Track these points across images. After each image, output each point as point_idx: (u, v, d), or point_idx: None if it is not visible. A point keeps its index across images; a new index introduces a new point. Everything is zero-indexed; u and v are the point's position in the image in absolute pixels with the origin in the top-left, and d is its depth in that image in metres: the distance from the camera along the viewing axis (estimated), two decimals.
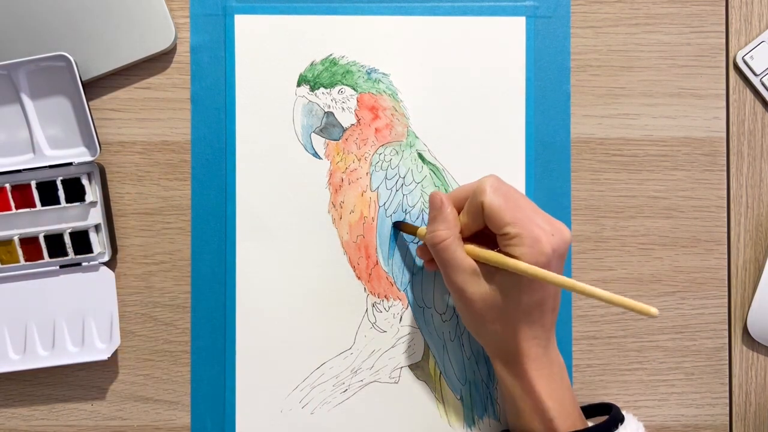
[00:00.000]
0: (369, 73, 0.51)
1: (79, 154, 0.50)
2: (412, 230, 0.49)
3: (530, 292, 0.42)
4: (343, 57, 0.51)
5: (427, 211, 0.51)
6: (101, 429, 0.51)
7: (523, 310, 0.43)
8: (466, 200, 0.45)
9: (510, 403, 0.45)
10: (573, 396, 0.45)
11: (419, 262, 0.51)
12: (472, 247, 0.44)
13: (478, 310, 0.44)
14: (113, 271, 0.51)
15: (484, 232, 0.44)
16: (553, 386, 0.44)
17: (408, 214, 0.51)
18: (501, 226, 0.42)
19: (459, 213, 0.45)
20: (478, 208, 0.43)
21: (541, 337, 0.44)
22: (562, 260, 0.43)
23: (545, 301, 0.43)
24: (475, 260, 0.43)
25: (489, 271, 0.43)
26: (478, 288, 0.43)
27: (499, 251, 0.43)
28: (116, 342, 0.50)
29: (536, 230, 0.42)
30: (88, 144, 0.49)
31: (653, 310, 0.37)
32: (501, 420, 0.51)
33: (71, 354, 0.50)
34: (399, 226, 0.50)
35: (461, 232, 0.45)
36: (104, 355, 0.50)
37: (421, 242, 0.49)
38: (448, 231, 0.44)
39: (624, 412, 0.46)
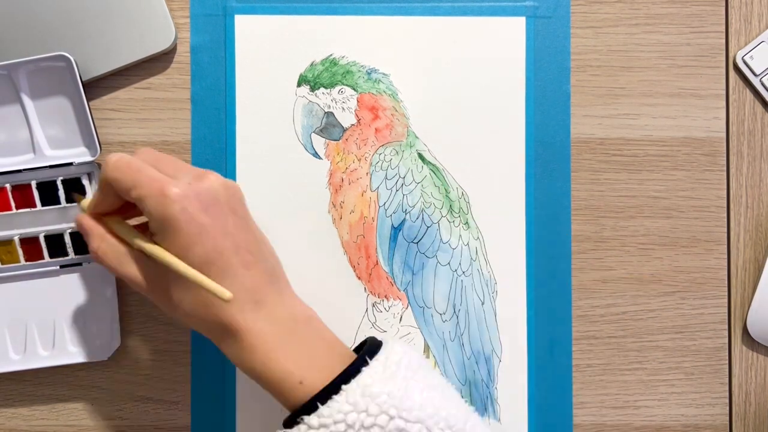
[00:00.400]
0: (369, 74, 0.51)
1: (79, 154, 0.50)
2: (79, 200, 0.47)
3: (190, 251, 0.38)
4: (343, 57, 0.51)
5: (428, 211, 0.51)
6: (101, 429, 0.51)
7: (198, 264, 0.38)
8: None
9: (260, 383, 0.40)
10: (328, 343, 0.41)
11: (420, 265, 0.51)
12: (113, 220, 0.42)
13: (167, 298, 0.40)
14: None
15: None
16: (290, 344, 0.39)
17: (408, 214, 0.51)
18: (125, 192, 0.39)
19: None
20: (109, 192, 0.41)
21: (244, 301, 0.39)
22: (218, 208, 0.39)
23: (217, 250, 0.39)
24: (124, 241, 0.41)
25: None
26: (138, 270, 0.41)
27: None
28: (116, 342, 0.50)
29: (163, 181, 0.38)
30: (89, 144, 0.49)
31: (227, 294, 0.35)
32: (501, 420, 0.51)
33: (71, 354, 0.50)
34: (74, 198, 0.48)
35: (99, 208, 0.42)
36: (104, 355, 0.50)
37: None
38: (98, 241, 0.42)
39: (383, 339, 0.42)
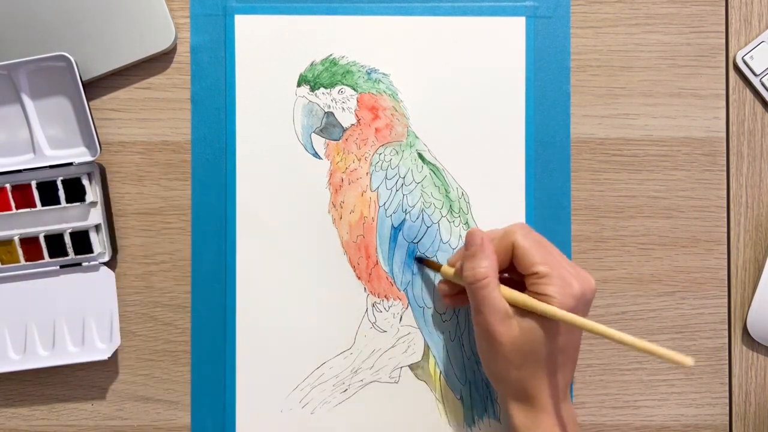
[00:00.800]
0: (369, 73, 0.51)
1: (79, 154, 0.50)
2: (436, 267, 0.49)
3: (559, 338, 0.42)
4: (343, 57, 0.51)
5: (428, 211, 0.51)
6: (101, 429, 0.51)
7: (550, 356, 0.42)
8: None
9: None
10: None
11: (420, 265, 0.51)
12: (507, 289, 0.43)
13: (505, 354, 0.43)
14: (113, 271, 0.51)
15: (508, 277, 0.45)
16: None
17: (408, 214, 0.51)
18: (531, 265, 0.42)
19: None
20: (507, 248, 0.44)
21: (561, 387, 0.43)
22: (587, 308, 0.43)
23: (570, 348, 0.43)
24: (508, 302, 0.43)
25: (520, 314, 0.42)
26: (509, 331, 0.42)
27: (528, 293, 0.43)
28: (116, 342, 0.50)
29: (565, 273, 0.42)
30: (89, 144, 0.49)
31: (688, 361, 0.36)
32: (501, 420, 0.51)
33: (71, 354, 0.50)
34: (422, 261, 0.50)
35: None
36: (104, 355, 0.50)
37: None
38: (490, 269, 0.43)
39: None
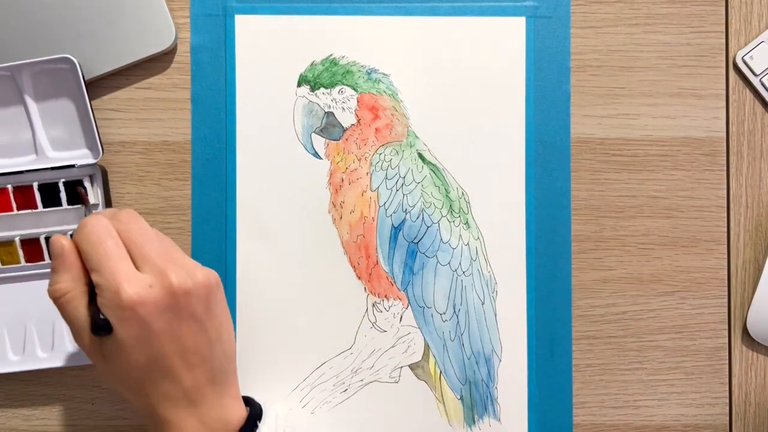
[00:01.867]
0: (369, 73, 0.51)
1: (81, 156, 0.50)
2: None
3: (134, 351, 0.37)
4: (343, 57, 0.51)
5: (428, 211, 0.51)
6: (102, 429, 0.51)
7: (140, 369, 0.38)
8: None
9: None
10: None
11: (420, 265, 0.51)
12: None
13: (107, 374, 0.39)
14: None
15: None
16: None
17: (408, 214, 0.51)
18: (88, 266, 0.37)
19: None
20: (73, 244, 0.39)
21: (178, 398, 0.38)
22: (173, 314, 0.37)
23: (159, 357, 0.37)
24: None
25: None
26: (99, 348, 0.38)
27: None
28: None
29: (122, 278, 0.36)
30: (91, 146, 0.49)
31: None
32: (501, 420, 0.51)
33: (70, 356, 0.50)
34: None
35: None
36: None
37: None
38: (71, 283, 0.38)
39: (263, 405, 0.42)
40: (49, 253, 0.49)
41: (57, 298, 0.38)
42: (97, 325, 0.37)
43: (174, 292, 0.37)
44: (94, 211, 0.49)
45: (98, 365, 0.39)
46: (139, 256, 0.38)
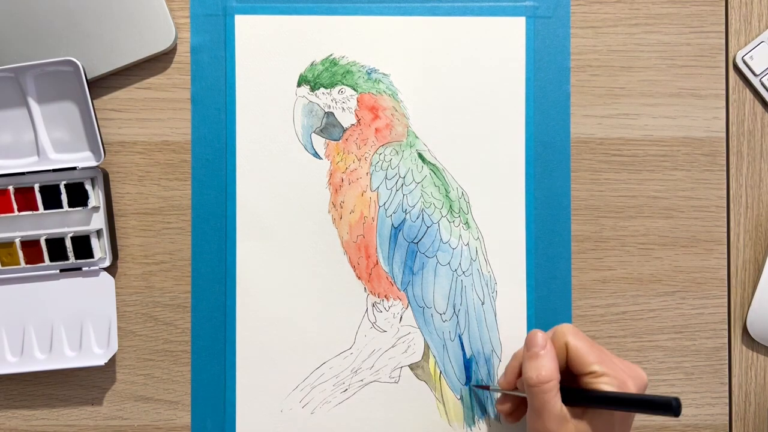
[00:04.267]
0: (369, 74, 0.51)
1: (83, 159, 0.50)
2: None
3: (621, 428, 0.43)
4: (343, 57, 0.51)
5: (428, 211, 0.51)
6: (101, 429, 0.51)
7: None
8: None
9: None
10: None
11: (420, 265, 0.51)
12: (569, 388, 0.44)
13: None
14: (113, 275, 0.51)
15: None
16: None
17: (408, 214, 0.51)
18: (587, 364, 0.43)
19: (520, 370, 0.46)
20: (561, 349, 0.44)
21: None
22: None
23: None
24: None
25: (575, 413, 0.43)
26: (567, 431, 0.43)
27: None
28: (113, 348, 0.50)
29: (619, 371, 0.43)
30: (93, 149, 0.49)
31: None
32: (501, 420, 0.51)
33: (68, 358, 0.50)
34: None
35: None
36: (101, 361, 0.49)
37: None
38: (554, 371, 0.43)
39: None
40: (49, 256, 0.49)
41: (542, 383, 0.43)
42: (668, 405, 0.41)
43: (645, 387, 0.44)
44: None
45: None
46: (613, 355, 0.45)
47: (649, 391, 0.51)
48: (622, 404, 0.42)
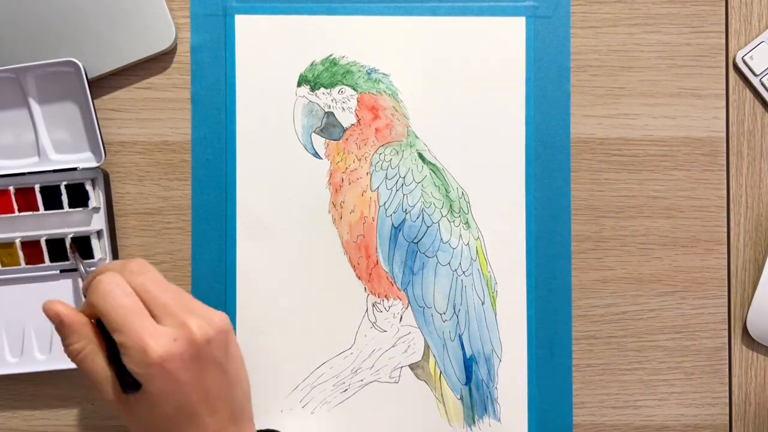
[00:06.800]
0: (369, 73, 0.51)
1: (84, 160, 0.50)
2: None
3: (161, 404, 0.37)
4: (343, 57, 0.51)
5: (428, 211, 0.51)
6: (101, 429, 0.51)
7: (164, 418, 0.38)
8: None
9: None
10: None
11: (420, 264, 0.51)
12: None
13: (132, 424, 0.39)
14: None
15: None
16: None
17: (408, 214, 0.51)
18: (109, 327, 0.37)
19: None
20: (89, 306, 0.39)
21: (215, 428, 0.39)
22: (198, 363, 0.38)
23: (185, 406, 0.38)
24: None
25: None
26: (125, 401, 0.39)
27: None
28: None
29: (146, 336, 0.36)
30: (94, 149, 0.49)
31: None
32: (501, 420, 0.51)
33: (68, 359, 0.50)
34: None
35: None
36: None
37: None
38: (82, 341, 0.39)
39: None
40: (49, 257, 0.49)
41: (73, 359, 0.39)
42: (126, 384, 0.38)
43: (197, 342, 0.38)
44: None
45: (124, 416, 0.40)
46: (157, 308, 0.38)
47: (649, 391, 0.51)
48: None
